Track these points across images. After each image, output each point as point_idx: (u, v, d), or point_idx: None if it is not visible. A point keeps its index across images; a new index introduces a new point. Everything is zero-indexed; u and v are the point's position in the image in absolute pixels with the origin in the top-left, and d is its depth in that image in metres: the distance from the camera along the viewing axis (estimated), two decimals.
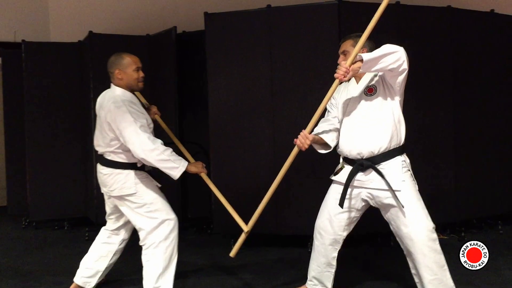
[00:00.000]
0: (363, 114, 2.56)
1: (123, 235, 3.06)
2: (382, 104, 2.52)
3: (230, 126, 3.93)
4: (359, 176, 2.56)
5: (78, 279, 3.03)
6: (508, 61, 4.35)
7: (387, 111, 2.52)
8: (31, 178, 4.76)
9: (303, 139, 2.53)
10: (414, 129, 3.65)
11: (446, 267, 2.50)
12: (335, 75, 2.39)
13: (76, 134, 4.81)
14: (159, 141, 2.72)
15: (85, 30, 4.60)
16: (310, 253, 2.86)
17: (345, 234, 2.71)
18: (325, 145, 2.67)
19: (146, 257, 2.79)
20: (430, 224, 2.47)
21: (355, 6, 3.69)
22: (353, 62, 2.37)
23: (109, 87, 2.90)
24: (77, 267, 3.05)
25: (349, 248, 3.18)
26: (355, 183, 2.58)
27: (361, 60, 2.29)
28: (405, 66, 2.38)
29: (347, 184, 2.56)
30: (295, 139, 2.56)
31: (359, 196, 2.61)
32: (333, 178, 2.70)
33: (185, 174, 2.78)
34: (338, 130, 2.68)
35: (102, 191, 2.95)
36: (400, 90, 2.51)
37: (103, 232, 3.07)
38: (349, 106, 2.63)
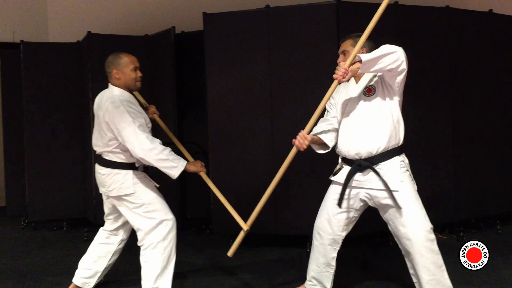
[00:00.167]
0: (362, 114, 2.56)
1: (122, 235, 3.06)
2: (381, 104, 2.53)
3: (229, 126, 3.93)
4: (358, 176, 2.56)
5: (77, 279, 3.02)
6: (507, 61, 4.36)
7: (386, 111, 2.52)
8: (30, 178, 4.76)
9: (301, 140, 2.54)
10: (413, 129, 3.66)
11: (443, 267, 2.50)
12: (334, 75, 2.39)
13: (75, 134, 4.80)
14: (158, 140, 2.72)
15: (83, 30, 4.59)
16: (309, 253, 2.87)
17: (344, 234, 2.72)
18: (324, 145, 2.67)
19: (144, 258, 2.79)
20: (428, 225, 2.47)
21: (353, 6, 3.70)
22: (352, 63, 2.37)
23: (107, 87, 2.90)
24: (76, 267, 3.04)
25: (348, 248, 3.18)
26: (354, 183, 2.58)
27: (360, 61, 2.30)
28: (404, 66, 2.38)
29: (345, 185, 2.56)
30: (293, 140, 2.56)
31: (357, 196, 2.61)
32: (332, 178, 2.70)
33: (184, 174, 2.78)
34: (337, 130, 2.68)
35: (100, 191, 2.95)
36: (399, 90, 2.51)
37: (101, 232, 3.07)
38: (348, 106, 2.63)
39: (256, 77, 3.85)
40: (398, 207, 2.45)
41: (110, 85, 2.88)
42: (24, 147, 4.78)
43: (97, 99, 2.89)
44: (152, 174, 2.94)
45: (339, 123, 2.67)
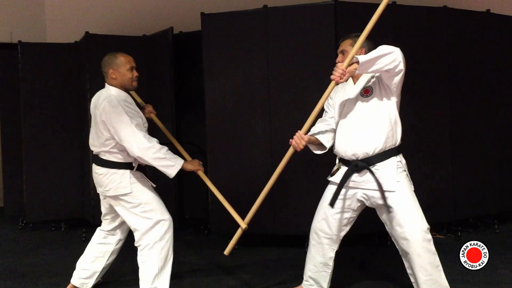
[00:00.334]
0: (359, 115, 2.56)
1: (119, 235, 3.05)
2: (378, 105, 2.53)
3: (227, 126, 3.93)
4: (355, 177, 2.56)
5: (75, 280, 3.02)
6: (504, 61, 4.36)
7: (383, 112, 2.52)
8: (28, 179, 4.76)
9: (298, 140, 2.54)
10: (411, 130, 3.66)
11: (440, 267, 2.50)
12: (332, 76, 2.39)
13: (72, 135, 4.80)
14: (155, 139, 2.72)
15: (81, 30, 4.59)
16: (307, 253, 2.87)
17: (342, 234, 2.72)
18: (321, 145, 2.67)
19: (142, 258, 2.79)
20: (425, 225, 2.47)
21: (351, 6, 3.70)
22: (350, 64, 2.38)
23: (104, 87, 2.90)
24: (74, 268, 3.04)
25: (346, 248, 3.18)
26: (351, 183, 2.58)
27: (357, 62, 2.30)
28: (402, 66, 2.39)
29: (340, 185, 2.56)
30: (290, 140, 2.57)
31: (354, 196, 2.62)
32: (330, 179, 2.70)
33: (182, 173, 2.78)
34: (334, 131, 2.68)
35: (98, 191, 2.95)
36: (397, 90, 2.52)
37: (99, 232, 3.06)
38: (345, 107, 2.63)
39: (254, 77, 3.85)
40: (388, 208, 2.45)
41: (106, 85, 2.88)
42: (22, 148, 4.77)
43: (94, 99, 2.88)
44: (149, 174, 2.94)
45: (337, 124, 2.67)
